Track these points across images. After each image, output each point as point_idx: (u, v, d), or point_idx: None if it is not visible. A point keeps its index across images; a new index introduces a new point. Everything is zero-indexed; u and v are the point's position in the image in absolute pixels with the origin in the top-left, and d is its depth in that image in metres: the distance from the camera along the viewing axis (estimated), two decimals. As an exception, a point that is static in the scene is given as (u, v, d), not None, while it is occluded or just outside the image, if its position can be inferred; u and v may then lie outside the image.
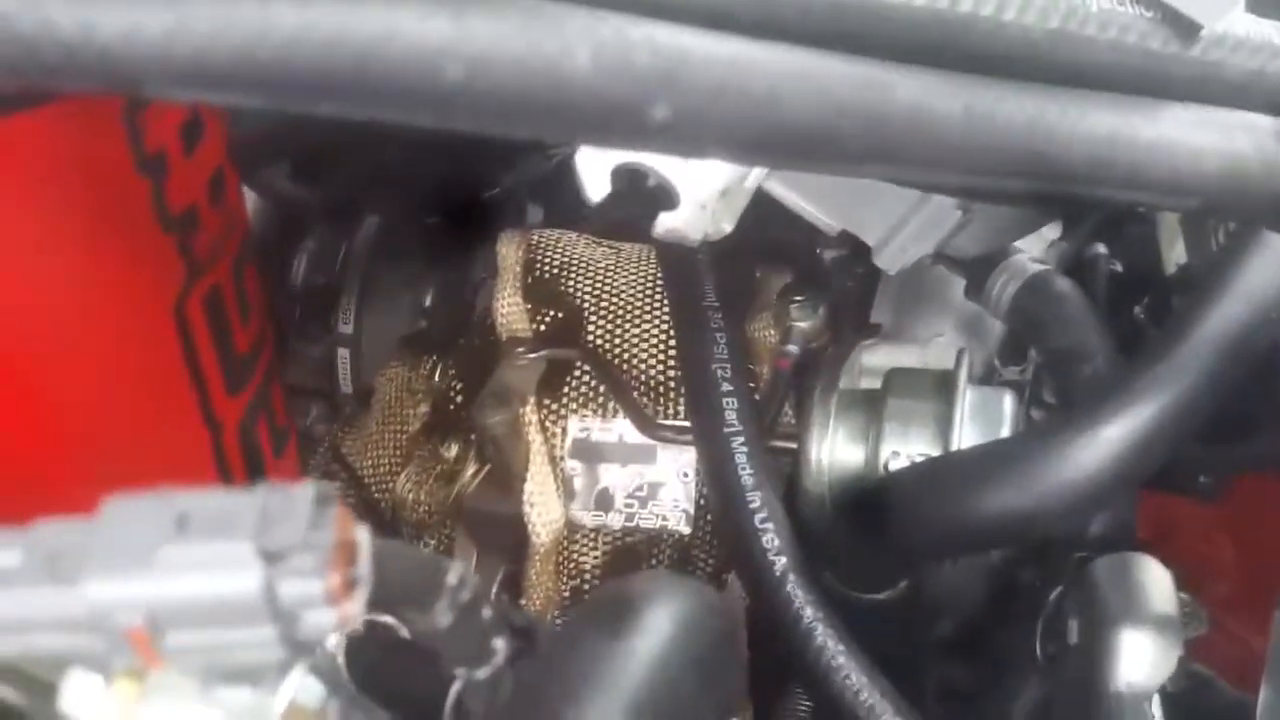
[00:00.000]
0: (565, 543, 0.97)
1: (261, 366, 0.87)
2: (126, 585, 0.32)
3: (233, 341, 0.80)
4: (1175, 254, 0.93)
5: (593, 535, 0.97)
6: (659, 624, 0.38)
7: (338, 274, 1.27)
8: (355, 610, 0.34)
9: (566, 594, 0.98)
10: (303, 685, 0.38)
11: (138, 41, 0.38)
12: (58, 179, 0.61)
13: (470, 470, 0.98)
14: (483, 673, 0.40)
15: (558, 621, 0.99)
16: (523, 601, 0.98)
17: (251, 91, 0.39)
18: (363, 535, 0.34)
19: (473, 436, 0.98)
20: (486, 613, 0.40)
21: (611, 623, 0.39)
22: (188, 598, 0.32)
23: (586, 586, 0.98)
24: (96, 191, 0.63)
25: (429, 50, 0.40)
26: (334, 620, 0.33)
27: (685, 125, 0.46)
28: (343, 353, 1.26)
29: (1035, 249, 0.95)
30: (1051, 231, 1.00)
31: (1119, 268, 1.04)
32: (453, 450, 1.00)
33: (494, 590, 1.01)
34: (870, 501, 0.76)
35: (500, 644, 0.41)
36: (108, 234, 0.65)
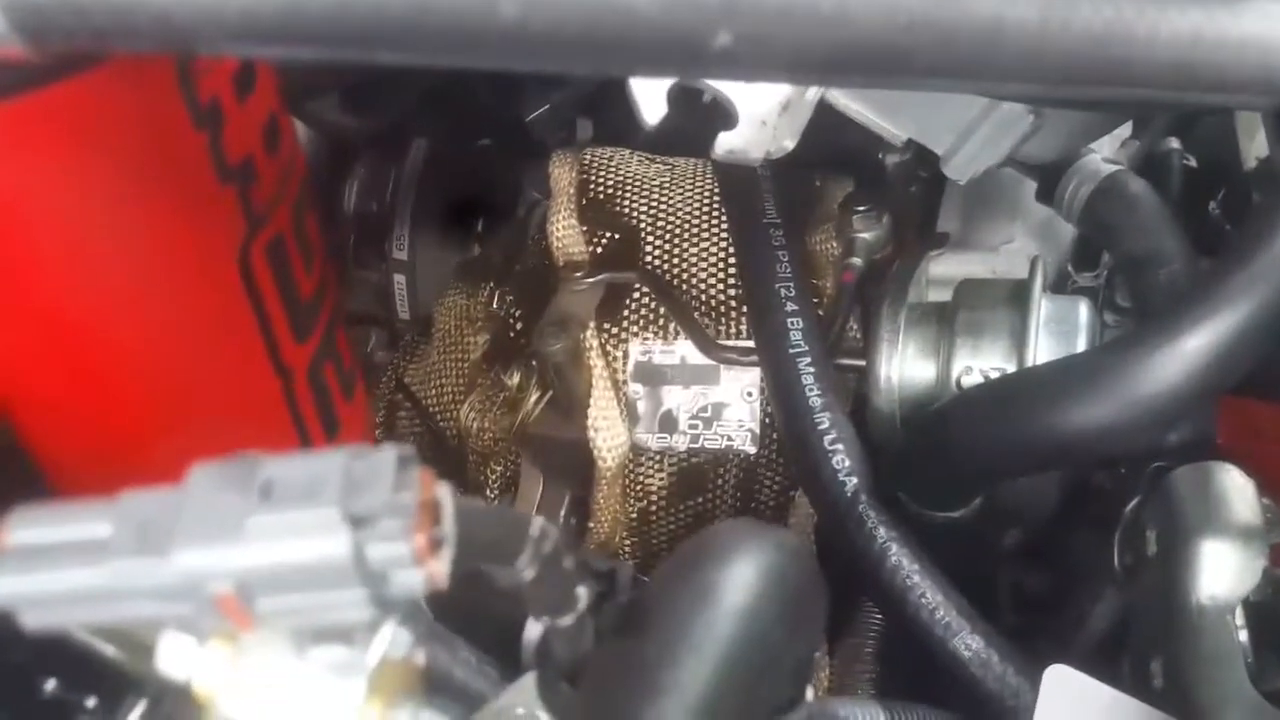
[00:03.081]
0: (631, 466, 0.97)
1: (326, 312, 0.87)
2: (216, 554, 0.32)
3: (297, 288, 0.80)
4: (1255, 147, 0.89)
5: (658, 457, 0.97)
6: (745, 578, 0.38)
7: (389, 200, 1.27)
8: (442, 568, 0.34)
9: (634, 516, 0.99)
10: (395, 639, 0.38)
11: (188, 0, 0.37)
12: (116, 139, 0.60)
13: (533, 397, 0.98)
14: (566, 620, 0.41)
15: (625, 547, 1.00)
16: (591, 525, 0.99)
17: (305, 44, 0.38)
18: (445, 494, 0.34)
19: (534, 364, 0.98)
20: (569, 562, 0.40)
21: (699, 580, 0.39)
22: (277, 565, 0.32)
23: (653, 508, 0.99)
24: (155, 148, 0.63)
25: (483, -10, 0.39)
26: (421, 579, 0.34)
27: (749, 50, 0.44)
28: (399, 279, 1.27)
29: (1107, 148, 0.91)
30: (1124, 129, 0.96)
31: (1192, 162, 1.00)
32: (515, 378, 1.00)
33: (562, 515, 1.02)
34: (944, 420, 0.75)
35: (582, 591, 0.41)
36: (169, 190, 0.64)
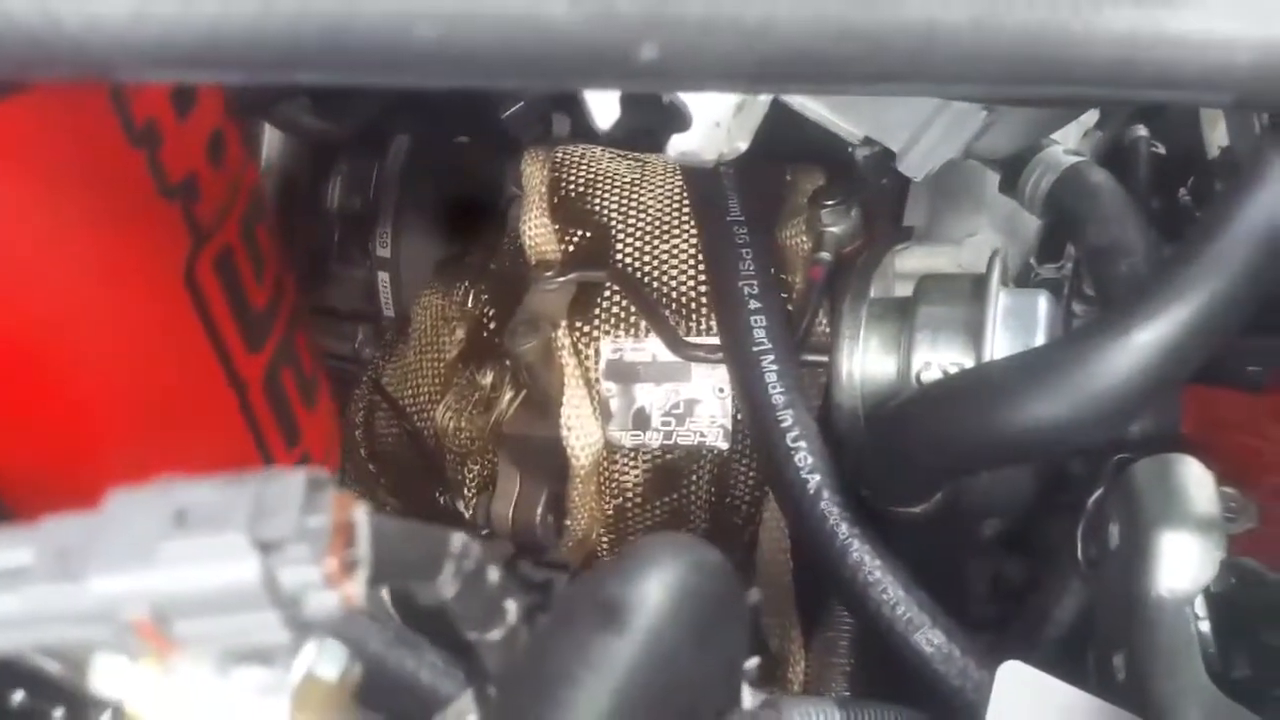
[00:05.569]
0: (605, 463, 0.97)
1: (281, 321, 0.87)
2: (130, 579, 0.33)
3: (248, 299, 0.80)
4: (1217, 136, 0.89)
5: (632, 455, 0.97)
6: (650, 595, 0.38)
7: (372, 197, 1.27)
8: (357, 590, 0.34)
9: (610, 513, 1.00)
10: (322, 657, 0.39)
11: (102, 29, 0.37)
12: (48, 163, 0.61)
13: (507, 397, 0.99)
14: (495, 635, 0.41)
15: (603, 544, 1.01)
16: (568, 522, 1.00)
17: (221, 69, 0.39)
18: (360, 516, 0.35)
19: (508, 363, 0.99)
20: (494, 576, 0.40)
21: (600, 598, 0.39)
22: (189, 590, 0.33)
23: (629, 505, 0.99)
24: (90, 169, 0.63)
25: (398, 11, 0.39)
26: (336, 601, 0.34)
27: (676, 62, 0.44)
28: (383, 276, 1.27)
29: (1072, 138, 0.91)
30: (1089, 118, 0.96)
31: (1161, 150, 1.00)
32: (488, 377, 1.00)
33: (539, 513, 1.02)
34: (900, 417, 0.75)
35: (512, 605, 0.41)
36: (107, 210, 0.65)
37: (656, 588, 0.39)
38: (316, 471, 0.34)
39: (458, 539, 0.39)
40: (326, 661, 0.39)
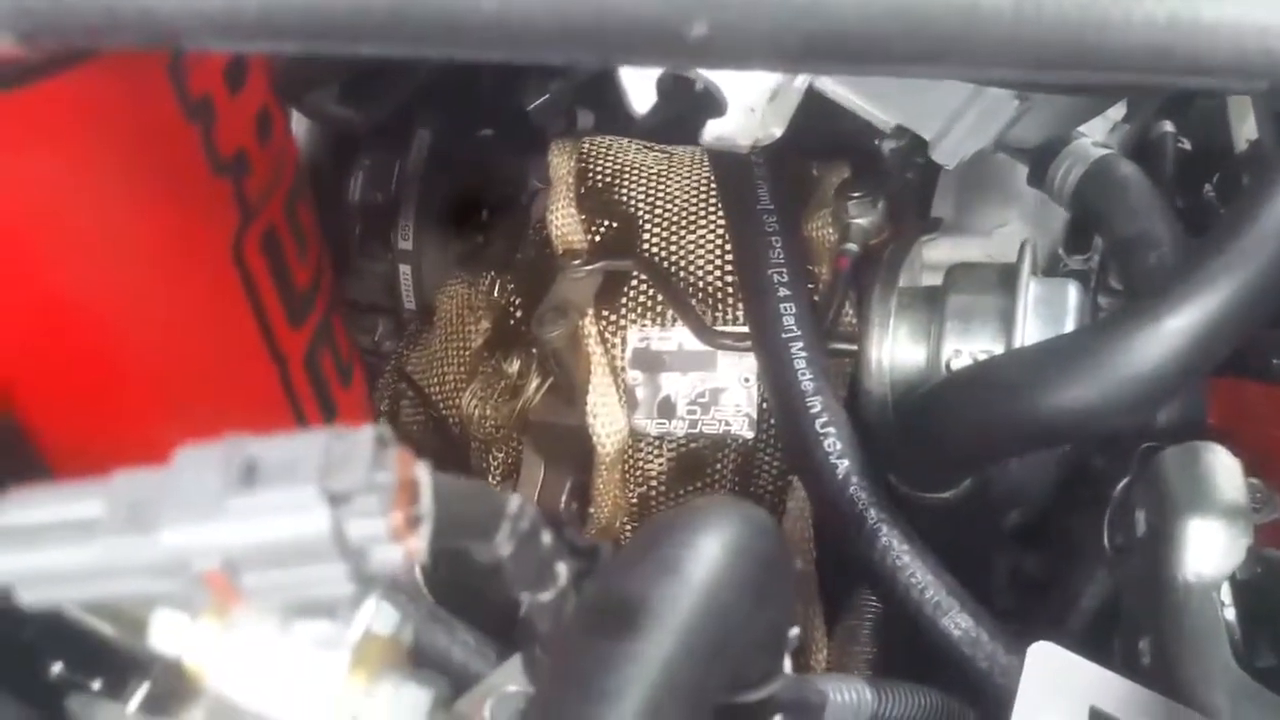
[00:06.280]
0: (630, 451, 0.98)
1: (321, 300, 0.88)
2: (201, 532, 0.34)
3: (291, 277, 0.81)
4: (1246, 130, 0.90)
5: (657, 443, 0.98)
6: (710, 551, 0.39)
7: (394, 191, 1.28)
8: (420, 545, 0.35)
9: (634, 501, 1.00)
10: (377, 614, 0.40)
11: (172, -4, 0.38)
12: (107, 134, 0.62)
13: (533, 384, 0.99)
14: (546, 596, 0.42)
15: (626, 531, 1.02)
16: (591, 510, 1.00)
17: (288, 38, 0.40)
18: (423, 474, 0.36)
19: (534, 351, 1.00)
20: (547, 539, 0.41)
21: (662, 554, 0.40)
22: (260, 542, 0.34)
23: (653, 493, 1.00)
24: (147, 142, 0.64)
25: (460, -17, 0.40)
26: (400, 555, 0.35)
27: (724, 39, 0.45)
28: (404, 269, 1.28)
29: (1099, 131, 0.92)
30: (1116, 112, 0.97)
31: (1187, 145, 1.00)
32: (515, 365, 1.01)
33: (563, 500, 1.03)
34: (930, 403, 0.76)
35: (562, 568, 0.42)
36: (162, 182, 0.66)
37: (714, 545, 0.40)
38: (382, 429, 0.35)
39: (514, 500, 0.40)
40: (382, 620, 0.40)
